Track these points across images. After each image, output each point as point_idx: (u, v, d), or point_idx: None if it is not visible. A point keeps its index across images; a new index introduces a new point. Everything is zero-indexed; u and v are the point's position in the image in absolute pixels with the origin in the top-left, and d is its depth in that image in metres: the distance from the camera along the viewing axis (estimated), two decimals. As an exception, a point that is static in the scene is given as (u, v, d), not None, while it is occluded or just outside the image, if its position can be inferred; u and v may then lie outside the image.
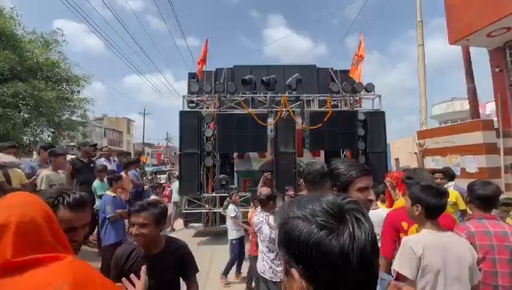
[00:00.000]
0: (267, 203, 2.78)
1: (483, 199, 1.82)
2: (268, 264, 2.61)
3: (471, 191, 1.88)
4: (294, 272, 0.49)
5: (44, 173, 3.73)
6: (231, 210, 4.51)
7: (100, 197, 4.43)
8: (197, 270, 1.70)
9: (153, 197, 5.23)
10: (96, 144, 5.68)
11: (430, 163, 6.16)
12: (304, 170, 1.80)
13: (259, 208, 2.90)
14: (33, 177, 3.67)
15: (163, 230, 1.69)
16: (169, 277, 1.58)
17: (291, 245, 0.49)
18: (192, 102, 7.27)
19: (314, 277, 0.47)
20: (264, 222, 2.67)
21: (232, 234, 4.36)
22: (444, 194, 1.60)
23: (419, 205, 1.58)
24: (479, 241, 1.66)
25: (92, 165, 4.98)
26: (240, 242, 4.35)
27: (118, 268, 1.59)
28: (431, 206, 1.55)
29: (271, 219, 2.67)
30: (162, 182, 12.67)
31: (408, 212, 1.67)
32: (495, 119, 6.38)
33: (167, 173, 16.47)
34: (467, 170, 5.11)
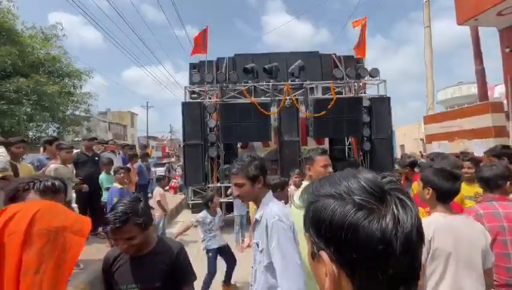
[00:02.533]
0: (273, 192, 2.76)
1: (484, 181, 1.83)
2: None
3: (476, 173, 1.93)
4: (324, 255, 0.44)
5: (54, 165, 3.77)
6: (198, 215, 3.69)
7: (107, 189, 4.47)
8: (193, 277, 1.46)
9: (157, 189, 5.26)
10: (95, 138, 5.71)
11: (436, 148, 6.08)
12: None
13: None
14: (42, 170, 3.71)
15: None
16: (159, 285, 1.33)
17: (321, 226, 0.44)
18: (194, 93, 7.20)
19: (348, 263, 0.42)
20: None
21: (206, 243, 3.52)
22: (458, 178, 1.55)
23: (430, 189, 1.54)
24: (488, 223, 1.64)
25: (96, 158, 5.02)
26: (218, 252, 3.54)
27: (105, 271, 1.41)
28: (443, 190, 1.51)
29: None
30: (162, 174, 12.09)
31: (419, 195, 1.65)
32: (504, 102, 6.22)
33: (165, 166, 14.99)
34: (475, 154, 5.02)
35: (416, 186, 2.59)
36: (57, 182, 1.12)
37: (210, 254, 3.48)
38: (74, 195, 3.97)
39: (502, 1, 5.34)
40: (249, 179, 1.50)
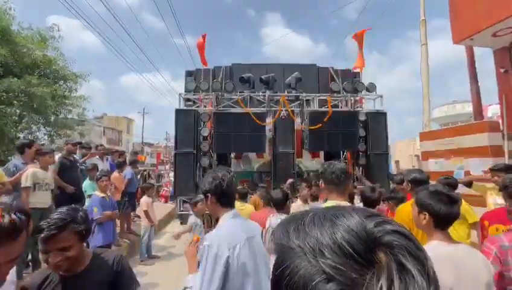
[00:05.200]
0: (283, 205, 2.68)
1: None
2: None
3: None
4: None
5: (32, 169, 3.57)
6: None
7: (90, 197, 4.26)
8: (137, 284, 1.37)
9: (144, 198, 5.04)
10: (80, 142, 5.50)
11: (433, 166, 6.00)
12: (325, 169, 1.66)
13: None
14: (19, 173, 3.48)
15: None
16: None
17: (277, 288, 0.32)
18: (189, 100, 7.10)
19: None
20: None
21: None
22: (456, 201, 1.41)
23: (426, 213, 1.39)
24: None
25: (77, 164, 4.82)
26: None
27: None
28: (441, 215, 1.36)
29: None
30: (151, 182, 9.75)
31: (414, 221, 1.49)
32: (500, 121, 6.21)
33: (140, 173, 11.48)
34: (471, 173, 4.94)
35: (401, 208, 2.42)
36: (17, 218, 0.81)
37: None
38: (50, 202, 3.74)
39: (497, 22, 5.40)
40: (203, 194, 1.45)
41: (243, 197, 4.13)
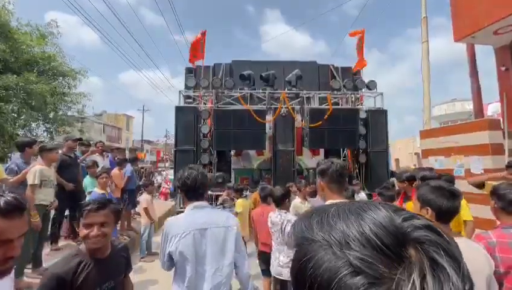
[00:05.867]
0: (283, 201, 2.70)
1: (506, 202, 1.58)
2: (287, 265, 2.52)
3: (502, 197, 1.61)
4: None
5: (38, 167, 3.53)
6: None
7: (90, 193, 4.25)
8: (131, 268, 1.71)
9: (144, 196, 5.04)
10: (80, 139, 5.47)
11: (433, 163, 5.99)
12: (327, 167, 1.59)
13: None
14: (25, 170, 3.45)
15: None
16: (122, 278, 1.54)
17: (300, 282, 0.30)
18: (189, 97, 7.09)
19: None
20: (285, 222, 2.59)
21: None
22: (458, 196, 1.42)
23: (428, 208, 1.40)
24: (501, 253, 1.46)
25: (77, 160, 4.81)
26: None
27: (72, 281, 1.27)
28: (442, 210, 1.37)
29: (289, 216, 2.67)
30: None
31: None
32: (501, 119, 6.20)
33: (137, 171, 10.63)
34: (471, 171, 4.94)
35: (411, 205, 2.44)
36: (20, 196, 0.87)
37: None
38: (53, 199, 3.72)
39: (499, 20, 5.38)
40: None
41: (240, 193, 4.25)
